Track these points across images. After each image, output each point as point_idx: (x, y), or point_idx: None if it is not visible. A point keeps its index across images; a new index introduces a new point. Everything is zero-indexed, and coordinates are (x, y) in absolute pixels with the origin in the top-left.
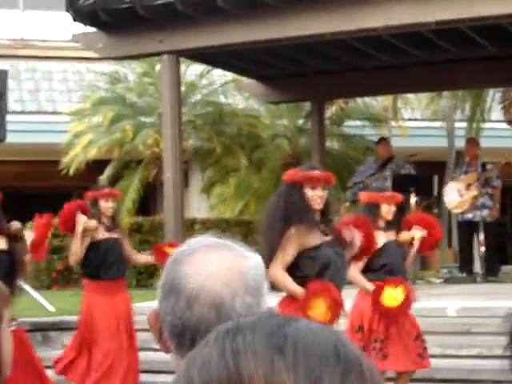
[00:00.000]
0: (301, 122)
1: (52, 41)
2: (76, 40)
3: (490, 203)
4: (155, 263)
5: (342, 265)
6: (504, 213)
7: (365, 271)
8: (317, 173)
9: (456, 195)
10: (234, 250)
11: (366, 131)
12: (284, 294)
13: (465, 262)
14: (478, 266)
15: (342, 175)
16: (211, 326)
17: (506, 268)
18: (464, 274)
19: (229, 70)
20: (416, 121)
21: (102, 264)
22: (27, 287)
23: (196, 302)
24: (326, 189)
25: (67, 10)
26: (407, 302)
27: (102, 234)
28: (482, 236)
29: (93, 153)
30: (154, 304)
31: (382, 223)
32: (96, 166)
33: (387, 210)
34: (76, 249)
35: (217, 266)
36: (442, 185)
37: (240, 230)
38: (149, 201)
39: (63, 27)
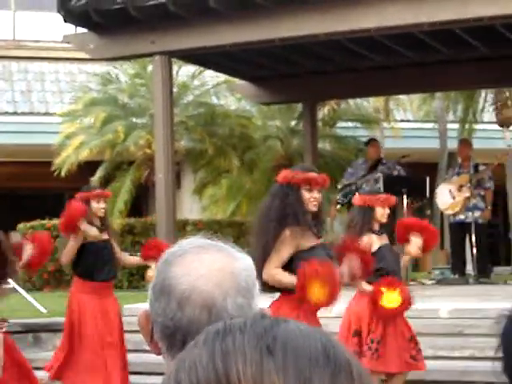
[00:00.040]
0: (293, 123)
1: (44, 41)
2: (67, 41)
3: (482, 205)
4: (147, 264)
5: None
6: (496, 214)
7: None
8: (315, 175)
9: (448, 197)
10: (225, 251)
11: (358, 132)
12: (276, 296)
13: (457, 263)
14: (470, 268)
15: (334, 176)
16: (202, 327)
17: (497, 269)
18: (456, 276)
19: (221, 71)
20: (408, 122)
21: (96, 265)
22: (19, 288)
23: (187, 302)
24: (321, 191)
25: (58, 11)
26: (405, 303)
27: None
28: (474, 237)
29: (84, 154)
30: (145, 305)
31: (376, 226)
32: (88, 167)
33: (382, 213)
34: (71, 251)
35: (208, 267)
36: (434, 186)
37: (232, 231)
38: (141, 202)
39: (55, 28)
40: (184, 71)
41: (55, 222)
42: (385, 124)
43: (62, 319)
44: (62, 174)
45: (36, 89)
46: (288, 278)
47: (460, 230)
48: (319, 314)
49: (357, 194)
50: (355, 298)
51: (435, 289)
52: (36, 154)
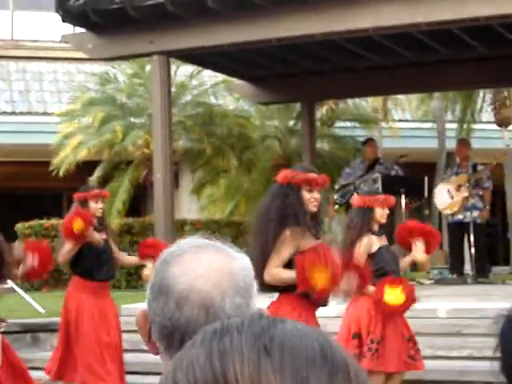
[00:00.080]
0: (291, 122)
1: (42, 41)
2: (66, 41)
3: (481, 204)
4: (145, 264)
5: None
6: (494, 214)
7: None
8: (315, 176)
9: (446, 196)
10: (223, 251)
11: (357, 132)
12: (275, 296)
13: (455, 263)
14: (468, 268)
15: (332, 176)
16: (200, 327)
17: (496, 269)
18: (454, 275)
19: (219, 70)
20: (406, 122)
21: (95, 264)
22: (17, 288)
23: (185, 302)
24: (320, 191)
25: (57, 11)
26: (409, 301)
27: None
28: (472, 237)
29: (83, 154)
30: (143, 305)
31: (375, 227)
32: (86, 167)
33: (381, 214)
34: (70, 253)
35: (206, 267)
36: (432, 186)
37: (230, 231)
38: (139, 202)
39: (53, 28)
40: (182, 71)
41: (53, 221)
42: (383, 124)
43: (60, 319)
44: (61, 173)
45: (34, 88)
46: (288, 274)
47: (458, 229)
48: (321, 312)
49: (355, 194)
50: (352, 301)
51: (433, 289)
52: (34, 153)
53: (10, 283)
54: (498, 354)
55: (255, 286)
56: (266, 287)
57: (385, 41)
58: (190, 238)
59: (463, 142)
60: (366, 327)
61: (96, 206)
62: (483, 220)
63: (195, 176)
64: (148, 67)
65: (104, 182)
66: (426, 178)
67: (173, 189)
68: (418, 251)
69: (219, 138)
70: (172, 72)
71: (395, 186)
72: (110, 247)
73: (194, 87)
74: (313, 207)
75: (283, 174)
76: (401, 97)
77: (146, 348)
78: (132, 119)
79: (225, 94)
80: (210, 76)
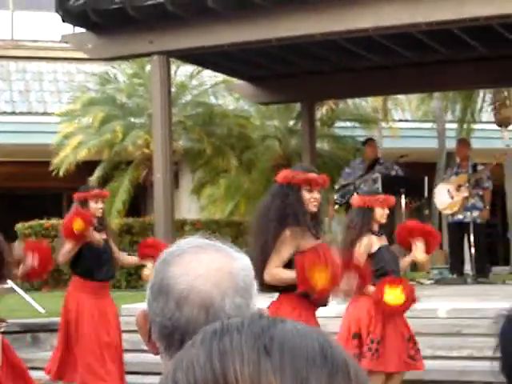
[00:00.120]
0: (291, 122)
1: (42, 41)
2: (66, 41)
3: (481, 204)
4: (145, 264)
5: None
6: (494, 214)
7: None
8: (316, 176)
9: (446, 196)
10: (223, 251)
11: (357, 132)
12: (275, 296)
13: (455, 263)
14: (468, 268)
15: (332, 176)
16: (200, 327)
17: (496, 269)
18: (454, 275)
19: (219, 70)
20: (406, 122)
21: (95, 264)
22: (17, 288)
23: (186, 302)
24: (320, 191)
25: (57, 11)
26: (409, 301)
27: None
28: (472, 237)
29: (83, 154)
30: (143, 305)
31: (375, 227)
32: (86, 167)
33: (381, 214)
34: (70, 253)
35: (206, 267)
36: (432, 186)
37: (230, 231)
38: (139, 202)
39: (53, 28)
40: (182, 71)
41: (53, 221)
42: (383, 124)
43: (60, 319)
44: (61, 173)
45: (34, 88)
46: (288, 274)
47: (458, 229)
48: (321, 312)
49: (355, 194)
50: (352, 301)
51: (433, 289)
52: (34, 153)
53: (9, 283)
54: (498, 354)
55: (255, 285)
56: (266, 287)
57: (385, 41)
58: (189, 238)
59: (463, 142)
60: (365, 327)
61: (96, 206)
62: (483, 220)
63: (195, 176)
64: (148, 67)
65: (104, 181)
66: (426, 178)
67: (173, 189)
68: (418, 251)
69: (219, 138)
70: (172, 72)
71: (395, 186)
72: (110, 247)
73: (194, 87)
74: (313, 207)
75: (283, 174)
76: (401, 97)
77: (146, 348)
78: (132, 119)
79: (225, 94)
80: (209, 76)
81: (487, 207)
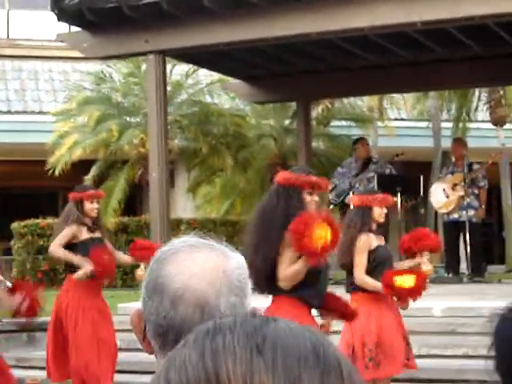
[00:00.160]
0: (287, 122)
1: (38, 40)
2: (61, 40)
3: (476, 203)
4: (140, 263)
5: (328, 270)
6: (490, 213)
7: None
8: (317, 179)
9: (442, 195)
10: (217, 250)
11: (352, 131)
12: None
13: (451, 262)
14: (464, 266)
15: (328, 175)
16: (195, 326)
17: (491, 268)
18: (450, 274)
19: (215, 69)
20: (402, 121)
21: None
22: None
23: (180, 301)
24: (319, 194)
25: (52, 10)
26: (419, 285)
27: (85, 234)
28: (468, 236)
29: (78, 153)
30: (139, 304)
31: (374, 226)
32: (82, 166)
33: (380, 213)
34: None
35: (201, 266)
36: (428, 185)
37: (226, 230)
38: (135, 201)
39: (49, 27)
40: (178, 70)
41: (49, 220)
42: (379, 123)
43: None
44: (56, 172)
45: (30, 87)
46: (299, 263)
47: (454, 228)
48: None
49: (350, 193)
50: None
51: (429, 287)
52: (30, 152)
53: (5, 282)
54: (493, 353)
55: (250, 284)
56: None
57: (380, 40)
58: (184, 237)
59: (459, 141)
60: (359, 339)
61: (91, 207)
62: (479, 219)
63: (191, 175)
64: (144, 66)
65: (100, 181)
66: (422, 177)
67: (168, 188)
68: (426, 264)
69: (215, 137)
70: (168, 71)
71: (391, 185)
72: (105, 246)
73: (190, 86)
74: (312, 210)
75: (285, 176)
76: (396, 96)
77: (141, 347)
78: (128, 118)
79: (220, 93)
80: (205, 75)
81: (483, 206)
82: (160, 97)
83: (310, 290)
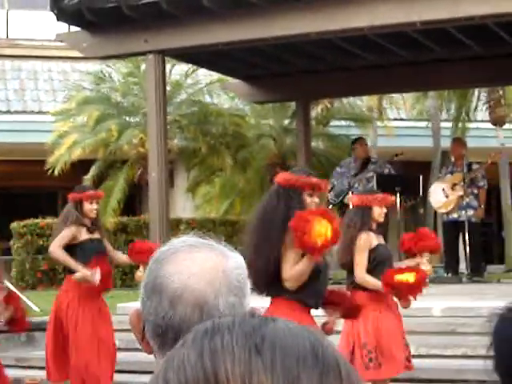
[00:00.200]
0: (286, 121)
1: (37, 40)
2: (60, 39)
3: (476, 203)
4: (138, 264)
5: (327, 271)
6: (489, 213)
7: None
8: (317, 180)
9: (441, 195)
10: (216, 250)
11: (352, 131)
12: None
13: (450, 262)
14: (463, 266)
15: (327, 175)
16: (194, 326)
17: (491, 268)
18: (449, 274)
19: (214, 69)
20: (401, 121)
21: (89, 264)
22: (12, 287)
23: (179, 301)
24: (319, 195)
25: (51, 10)
26: (419, 282)
27: (84, 235)
28: (467, 236)
29: (78, 153)
30: (138, 304)
31: (373, 226)
32: (81, 166)
33: (379, 213)
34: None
35: (200, 266)
36: (427, 185)
37: (225, 229)
38: (134, 201)
39: (48, 26)
40: (177, 70)
41: (48, 220)
42: (378, 123)
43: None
44: (56, 172)
45: (29, 87)
46: (303, 262)
47: (453, 228)
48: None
49: (350, 193)
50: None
51: (428, 287)
52: (29, 152)
53: (4, 282)
54: (492, 353)
55: (249, 284)
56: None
57: (380, 40)
58: (183, 237)
59: (458, 141)
60: (359, 340)
61: (91, 207)
62: (478, 219)
63: (190, 175)
64: (143, 66)
65: (99, 180)
66: (421, 177)
67: (168, 188)
68: (426, 264)
69: (214, 137)
70: (167, 71)
71: (390, 184)
72: (105, 247)
73: (189, 86)
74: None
75: (285, 177)
76: (396, 96)
77: (140, 347)
78: (127, 118)
79: (220, 92)
80: (205, 75)
81: (482, 206)
82: (159, 96)
83: (309, 290)
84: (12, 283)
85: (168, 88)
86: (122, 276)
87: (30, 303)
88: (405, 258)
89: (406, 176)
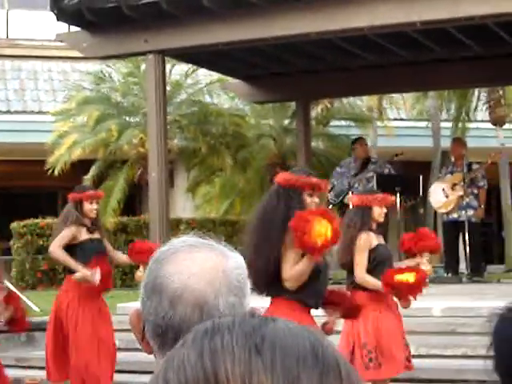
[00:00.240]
0: (286, 121)
1: (37, 40)
2: (60, 39)
3: (476, 203)
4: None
5: (327, 271)
6: (489, 213)
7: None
8: (317, 180)
9: (441, 195)
10: (216, 250)
11: (352, 131)
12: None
13: (450, 262)
14: (463, 266)
15: (327, 175)
16: (194, 326)
17: (491, 268)
18: (449, 274)
19: (214, 69)
20: (401, 121)
21: (89, 265)
22: (12, 287)
23: (179, 301)
24: (319, 196)
25: (51, 10)
26: (419, 281)
27: (85, 235)
28: (467, 236)
29: (78, 153)
30: (138, 304)
31: (373, 226)
32: (81, 166)
33: (379, 213)
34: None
35: (200, 266)
36: (427, 185)
37: (225, 229)
38: (134, 201)
39: (48, 26)
40: (177, 70)
41: (48, 220)
42: (378, 123)
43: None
44: (56, 172)
45: (29, 87)
46: (303, 262)
47: (453, 228)
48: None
49: (350, 193)
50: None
51: (428, 287)
52: (29, 152)
53: (4, 282)
54: (492, 353)
55: (249, 284)
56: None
57: (380, 40)
58: (183, 237)
59: (458, 141)
60: (358, 340)
61: (91, 208)
62: (478, 219)
63: (190, 175)
64: (143, 66)
65: (99, 180)
66: (421, 177)
67: (168, 188)
68: (426, 264)
69: (214, 137)
70: (167, 71)
71: (390, 184)
72: (105, 247)
73: (189, 86)
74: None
75: (286, 177)
76: (396, 96)
77: (140, 347)
78: (127, 118)
79: (220, 92)
80: (205, 75)
81: (482, 206)
82: (159, 97)
83: (309, 290)
84: (12, 283)
85: (168, 88)
86: (122, 276)
87: (29, 303)
88: (405, 258)
89: (406, 176)
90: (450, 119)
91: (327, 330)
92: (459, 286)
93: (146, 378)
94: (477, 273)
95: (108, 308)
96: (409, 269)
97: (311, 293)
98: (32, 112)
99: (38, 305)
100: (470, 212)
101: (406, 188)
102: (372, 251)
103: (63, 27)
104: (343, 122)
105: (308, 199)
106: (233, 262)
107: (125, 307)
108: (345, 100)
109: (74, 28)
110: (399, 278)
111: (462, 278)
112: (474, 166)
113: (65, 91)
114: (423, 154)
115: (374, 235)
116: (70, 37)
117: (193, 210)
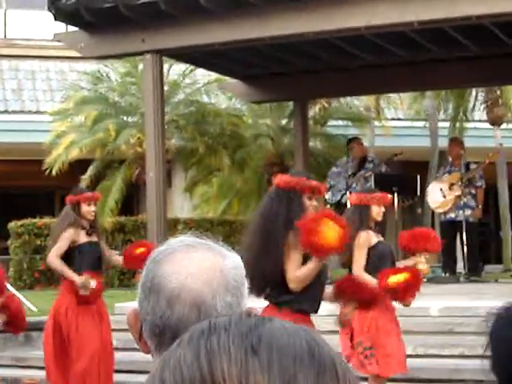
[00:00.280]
0: (284, 121)
1: (35, 40)
2: (58, 39)
3: (473, 203)
4: None
5: (327, 271)
6: (487, 213)
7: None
8: (317, 183)
9: (439, 195)
10: (214, 250)
11: (349, 131)
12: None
13: (448, 261)
14: (460, 266)
15: (325, 175)
16: (191, 326)
17: (488, 268)
18: (447, 274)
19: (212, 69)
20: (399, 120)
21: (88, 266)
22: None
23: (177, 301)
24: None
25: (49, 10)
26: (415, 281)
27: (83, 238)
28: (464, 236)
29: (75, 152)
30: (136, 304)
31: (372, 224)
32: (79, 166)
33: (378, 212)
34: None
35: (197, 265)
36: (425, 185)
37: (223, 229)
38: (132, 200)
39: (46, 26)
40: (175, 69)
41: (46, 220)
42: (376, 122)
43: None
44: (53, 172)
45: (27, 87)
46: (310, 264)
47: (451, 228)
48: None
49: (347, 193)
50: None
51: (426, 287)
52: (27, 152)
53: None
54: (489, 353)
55: (246, 284)
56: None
57: (377, 39)
58: (181, 237)
59: (455, 141)
60: (355, 339)
61: (88, 209)
62: (475, 219)
63: (188, 175)
64: (140, 66)
65: (96, 180)
66: (419, 177)
67: (165, 187)
68: (423, 264)
69: (212, 137)
70: (164, 70)
71: (388, 184)
72: (102, 249)
73: (187, 86)
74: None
75: (286, 179)
76: (393, 95)
77: (137, 347)
78: (125, 118)
79: (217, 92)
80: (202, 75)
81: (480, 206)
82: (157, 96)
83: (308, 293)
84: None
85: (166, 88)
86: (120, 276)
87: (27, 303)
88: (402, 257)
89: (404, 176)
90: (447, 119)
91: (345, 322)
92: (457, 286)
93: (144, 377)
94: (474, 272)
95: (106, 308)
96: (403, 269)
97: (310, 296)
98: (30, 112)
99: (35, 304)
100: (468, 212)
101: (403, 188)
102: (372, 249)
103: (61, 27)
104: (341, 122)
105: (307, 202)
106: (230, 262)
107: (122, 307)
108: (342, 100)
109: (71, 28)
110: (393, 280)
111: (459, 278)
112: (472, 166)
113: (62, 91)
114: (421, 154)
115: (373, 233)
116: (68, 37)
117: (190, 210)
